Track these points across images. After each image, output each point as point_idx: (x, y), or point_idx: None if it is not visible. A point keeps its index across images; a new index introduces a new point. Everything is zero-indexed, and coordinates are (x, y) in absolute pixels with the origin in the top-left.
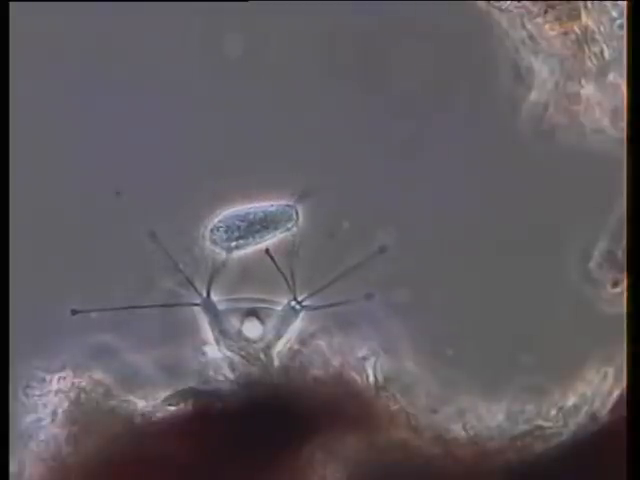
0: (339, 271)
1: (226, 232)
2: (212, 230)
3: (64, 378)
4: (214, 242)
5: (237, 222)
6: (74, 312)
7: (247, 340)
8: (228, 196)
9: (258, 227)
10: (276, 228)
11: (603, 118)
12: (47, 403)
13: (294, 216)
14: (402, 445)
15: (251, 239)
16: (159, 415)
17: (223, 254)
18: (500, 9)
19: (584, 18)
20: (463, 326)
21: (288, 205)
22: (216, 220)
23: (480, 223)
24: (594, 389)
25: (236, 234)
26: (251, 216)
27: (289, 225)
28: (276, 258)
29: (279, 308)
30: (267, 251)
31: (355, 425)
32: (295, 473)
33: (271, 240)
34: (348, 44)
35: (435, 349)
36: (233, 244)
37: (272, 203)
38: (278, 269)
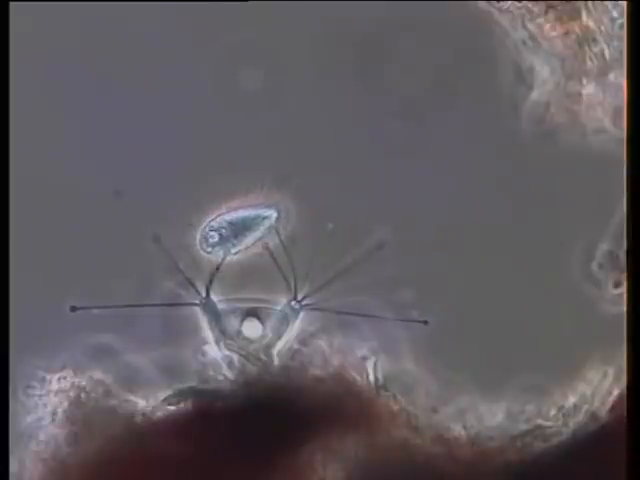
0: (338, 269)
1: (218, 235)
2: (204, 235)
3: (64, 378)
4: (209, 245)
5: (225, 224)
6: (73, 309)
7: (247, 340)
8: (226, 197)
9: (241, 228)
10: (258, 229)
11: (604, 118)
12: (47, 403)
13: (274, 213)
14: (402, 445)
15: (243, 240)
16: (159, 415)
17: (220, 255)
18: (500, 9)
19: (585, 18)
20: (464, 326)
21: (265, 203)
22: (206, 224)
23: (480, 223)
24: (594, 389)
25: (227, 236)
26: (237, 218)
27: (271, 222)
28: (274, 256)
29: (279, 308)
30: (265, 245)
31: (355, 425)
32: (295, 473)
33: (262, 239)
34: (348, 44)
35: (435, 349)
36: (228, 245)
37: (252, 203)
38: (276, 264)
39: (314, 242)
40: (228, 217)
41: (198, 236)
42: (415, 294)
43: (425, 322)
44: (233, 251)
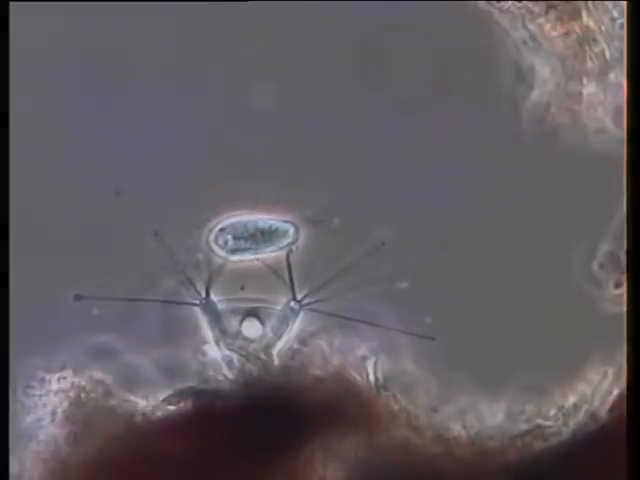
0: (337, 269)
1: (232, 237)
2: (217, 235)
3: (64, 378)
4: (218, 245)
5: (243, 229)
6: (77, 297)
7: (247, 340)
8: (228, 199)
9: (260, 238)
10: (275, 244)
11: (605, 118)
12: (47, 403)
13: (295, 236)
14: (402, 445)
15: (253, 248)
16: (159, 415)
17: (223, 256)
18: (500, 9)
19: (585, 18)
20: (464, 326)
21: (292, 223)
22: (221, 225)
23: (480, 223)
24: (594, 389)
25: (241, 241)
26: (256, 226)
27: (289, 243)
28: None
29: (279, 308)
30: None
31: (355, 425)
32: (295, 473)
33: (270, 254)
34: (348, 44)
35: (435, 348)
36: (236, 249)
37: (278, 217)
38: (272, 271)
39: (314, 242)
40: (246, 222)
41: (210, 237)
42: (415, 294)
43: (432, 339)
44: (240, 252)
